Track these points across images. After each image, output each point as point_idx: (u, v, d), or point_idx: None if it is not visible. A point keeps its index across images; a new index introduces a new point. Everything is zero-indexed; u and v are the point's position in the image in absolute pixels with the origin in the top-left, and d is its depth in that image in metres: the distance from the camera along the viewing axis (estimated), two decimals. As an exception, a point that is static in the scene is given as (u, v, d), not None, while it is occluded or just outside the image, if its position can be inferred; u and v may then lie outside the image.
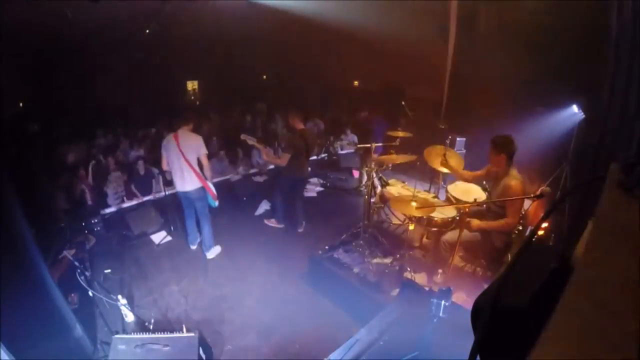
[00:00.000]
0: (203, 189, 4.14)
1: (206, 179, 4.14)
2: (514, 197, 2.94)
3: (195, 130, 4.15)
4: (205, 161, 4.05)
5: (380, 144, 5.17)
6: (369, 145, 4.31)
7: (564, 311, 0.44)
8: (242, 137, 4.48)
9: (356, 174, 6.72)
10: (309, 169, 5.24)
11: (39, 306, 2.53)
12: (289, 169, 4.53)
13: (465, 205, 3.01)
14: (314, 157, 7.48)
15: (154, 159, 6.49)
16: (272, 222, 5.13)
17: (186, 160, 3.96)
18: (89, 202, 5.34)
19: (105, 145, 7.23)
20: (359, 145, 5.86)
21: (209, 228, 4.39)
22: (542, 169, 4.94)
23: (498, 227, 3.11)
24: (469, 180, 3.78)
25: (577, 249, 0.68)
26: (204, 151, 4.03)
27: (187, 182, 4.05)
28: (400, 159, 4.21)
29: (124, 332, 2.98)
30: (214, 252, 4.50)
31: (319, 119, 8.60)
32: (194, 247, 4.60)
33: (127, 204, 5.61)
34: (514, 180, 2.98)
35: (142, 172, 5.89)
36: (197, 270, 4.20)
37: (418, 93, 7.47)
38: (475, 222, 3.08)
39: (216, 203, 4.31)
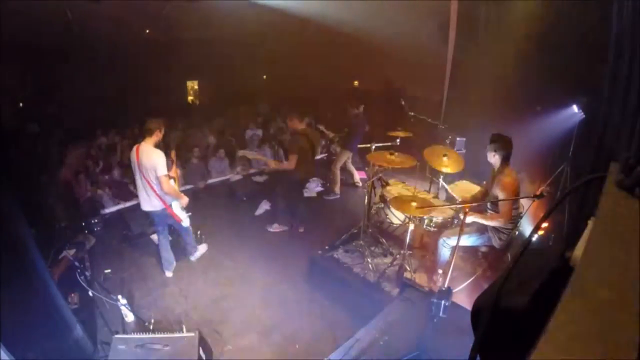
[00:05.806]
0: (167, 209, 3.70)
1: (167, 201, 3.69)
2: (509, 196, 3.04)
3: (159, 144, 3.60)
4: (162, 182, 3.49)
5: (362, 145, 5.10)
6: (368, 145, 4.31)
7: (563, 313, 0.44)
8: (241, 153, 4.39)
9: (362, 174, 6.67)
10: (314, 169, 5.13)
11: (39, 306, 2.53)
12: (296, 170, 4.40)
13: (465, 205, 3.02)
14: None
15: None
16: (275, 228, 4.94)
17: (145, 179, 3.51)
18: (88, 203, 5.34)
19: (105, 145, 7.22)
20: (359, 146, 5.84)
21: (189, 239, 4.16)
22: (542, 169, 4.94)
23: (489, 221, 3.21)
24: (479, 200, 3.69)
25: (577, 249, 0.68)
26: (160, 172, 3.44)
27: (147, 202, 3.65)
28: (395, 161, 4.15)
29: (124, 332, 2.99)
30: (199, 253, 4.33)
31: (312, 119, 8.55)
32: (169, 275, 4.08)
33: (127, 204, 5.60)
34: (508, 177, 3.08)
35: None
36: (197, 271, 4.20)
37: (418, 93, 7.46)
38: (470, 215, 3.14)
39: (185, 224, 3.94)
